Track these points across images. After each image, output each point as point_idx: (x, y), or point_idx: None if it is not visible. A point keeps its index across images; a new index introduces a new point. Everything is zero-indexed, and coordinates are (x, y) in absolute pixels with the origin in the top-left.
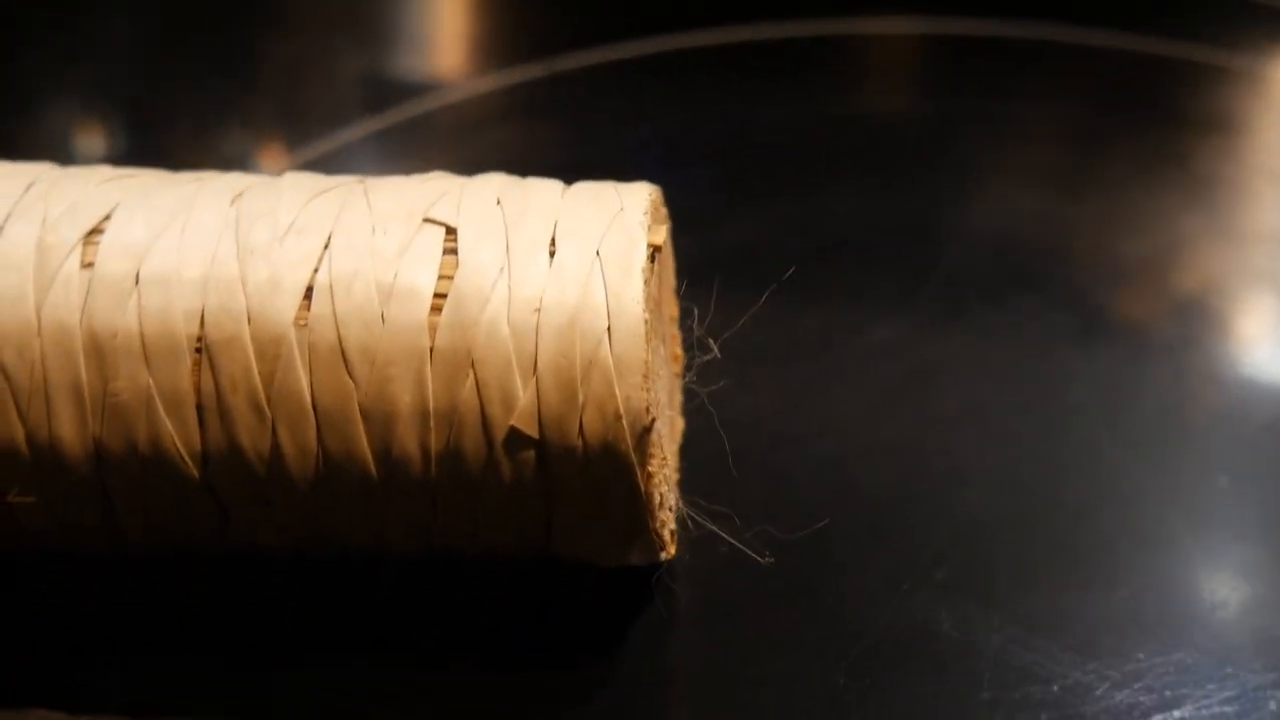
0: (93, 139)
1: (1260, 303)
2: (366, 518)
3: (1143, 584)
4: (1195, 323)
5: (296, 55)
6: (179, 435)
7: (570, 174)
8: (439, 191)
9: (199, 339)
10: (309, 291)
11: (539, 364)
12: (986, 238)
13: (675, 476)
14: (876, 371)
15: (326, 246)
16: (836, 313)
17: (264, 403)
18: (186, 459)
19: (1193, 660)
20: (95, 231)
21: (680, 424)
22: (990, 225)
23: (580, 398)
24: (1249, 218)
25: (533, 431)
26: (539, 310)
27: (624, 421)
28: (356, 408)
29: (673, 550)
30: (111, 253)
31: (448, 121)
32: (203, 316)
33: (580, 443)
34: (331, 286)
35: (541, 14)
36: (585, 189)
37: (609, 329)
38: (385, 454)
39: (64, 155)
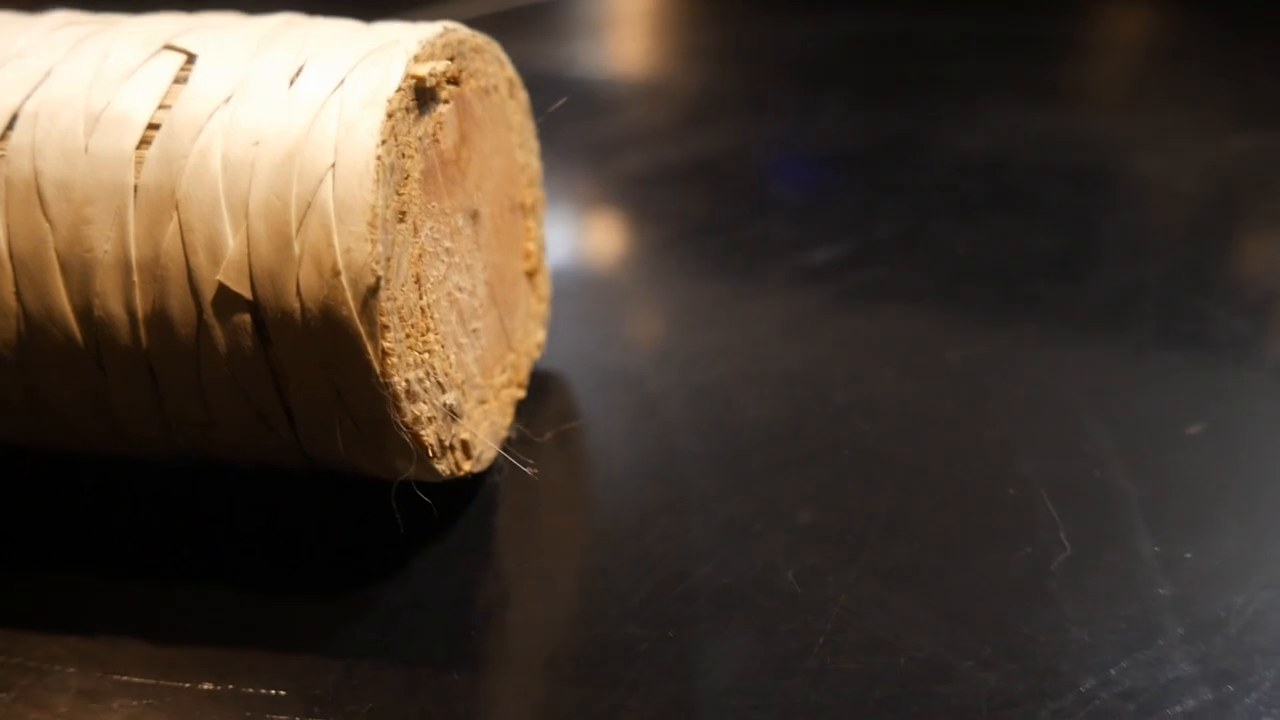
0: None
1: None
2: (86, 394)
3: (1047, 551)
4: (1194, 266)
5: None
6: None
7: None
8: (204, 23)
9: None
10: (14, 120)
11: (250, 206)
12: (975, 156)
13: (513, 391)
14: (800, 294)
15: (50, 74)
16: (779, 230)
17: None
18: None
19: (1089, 639)
20: None
21: (538, 335)
22: (983, 144)
23: (296, 249)
24: None
25: (244, 290)
26: (258, 143)
27: (343, 279)
28: (53, 254)
29: (464, 466)
30: None
31: None
32: None
33: (298, 305)
34: (38, 114)
35: None
36: (378, 27)
37: (333, 166)
38: (87, 312)
39: None
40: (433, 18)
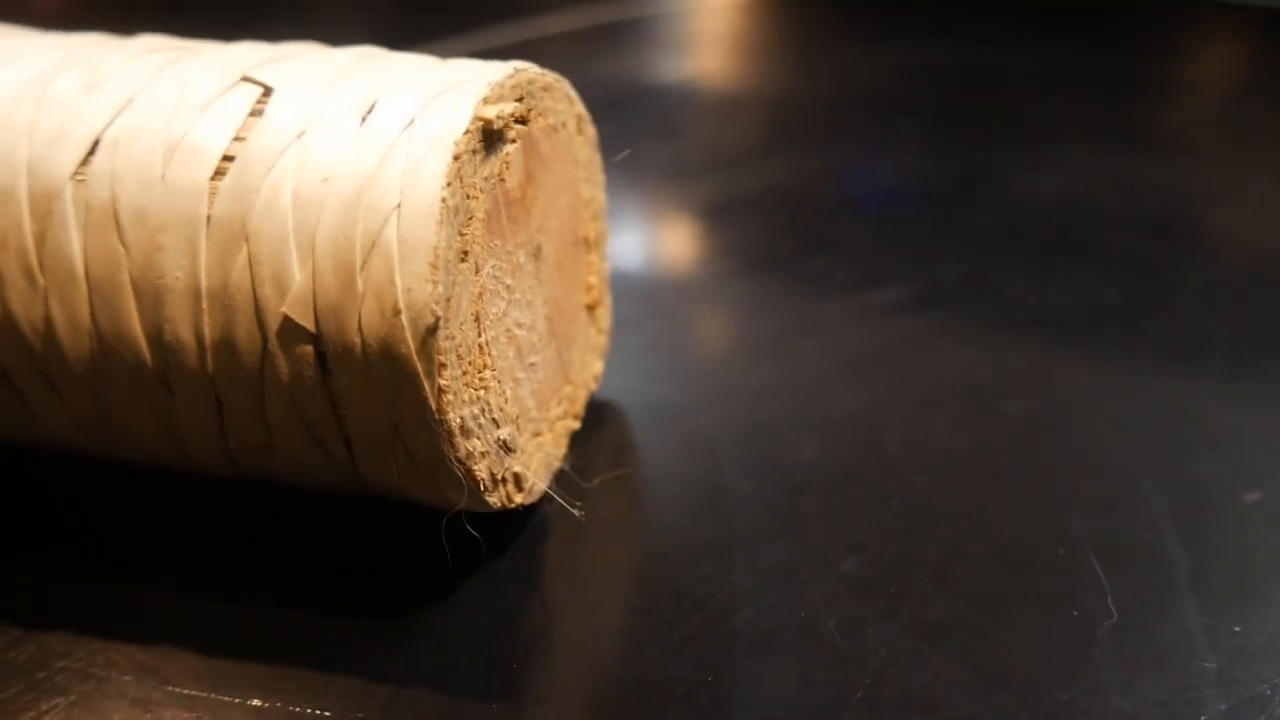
0: None
1: None
2: (153, 412)
3: (1092, 615)
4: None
5: None
6: None
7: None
8: (284, 54)
9: None
10: (96, 146)
11: (318, 243)
12: (1048, 200)
13: (568, 422)
14: (860, 334)
15: (132, 101)
16: (843, 266)
17: (35, 266)
18: None
19: (1129, 709)
20: None
21: (596, 367)
22: (1057, 187)
23: (360, 286)
24: None
25: (308, 323)
26: (328, 180)
27: (404, 318)
28: (127, 278)
29: (515, 498)
30: None
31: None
32: None
33: (359, 340)
34: (118, 141)
35: None
36: (451, 65)
37: (399, 206)
38: (157, 336)
39: None
40: (515, 35)
